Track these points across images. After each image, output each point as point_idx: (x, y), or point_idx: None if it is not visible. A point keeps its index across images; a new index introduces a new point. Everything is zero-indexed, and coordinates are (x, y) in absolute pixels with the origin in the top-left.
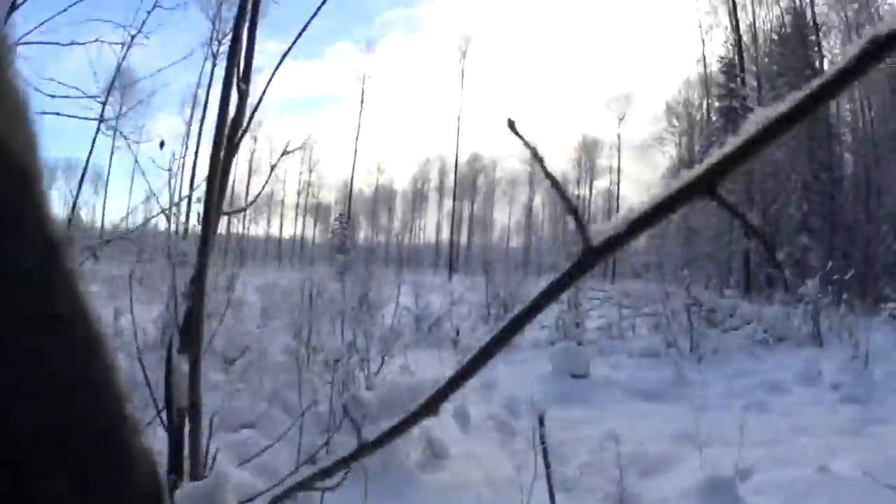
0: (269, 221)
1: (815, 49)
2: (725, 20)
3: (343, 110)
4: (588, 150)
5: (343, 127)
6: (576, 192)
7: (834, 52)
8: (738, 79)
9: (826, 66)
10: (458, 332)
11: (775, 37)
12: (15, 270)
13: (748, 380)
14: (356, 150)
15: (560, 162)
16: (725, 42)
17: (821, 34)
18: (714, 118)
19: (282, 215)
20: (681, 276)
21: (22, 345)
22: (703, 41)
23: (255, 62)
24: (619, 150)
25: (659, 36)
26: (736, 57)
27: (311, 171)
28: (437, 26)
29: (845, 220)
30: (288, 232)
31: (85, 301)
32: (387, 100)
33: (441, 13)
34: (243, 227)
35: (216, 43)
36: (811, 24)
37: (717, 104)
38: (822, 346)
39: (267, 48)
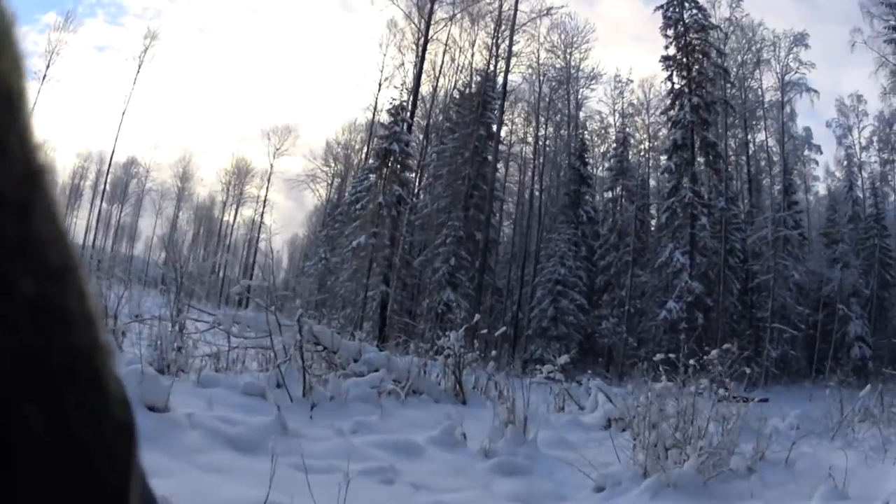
0: None
1: (495, 113)
2: (410, 69)
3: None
4: (240, 176)
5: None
6: (221, 217)
7: (516, 124)
8: (405, 124)
9: (503, 133)
10: None
11: (457, 94)
12: None
13: (372, 437)
14: None
15: (211, 183)
16: (402, 86)
17: (508, 102)
18: (372, 160)
19: None
20: (293, 308)
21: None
22: (379, 85)
23: None
24: (269, 180)
25: (336, 76)
26: (409, 103)
27: None
28: (135, 19)
29: (495, 282)
30: None
31: (62, 228)
32: (68, 83)
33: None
34: None
35: None
36: (500, 90)
37: (376, 146)
38: (465, 404)
39: None
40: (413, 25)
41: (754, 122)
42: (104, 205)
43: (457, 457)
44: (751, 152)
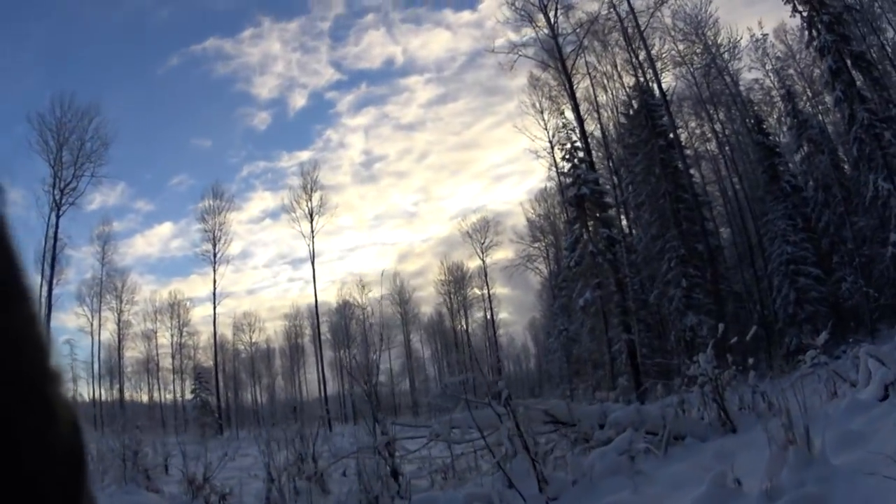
0: (149, 386)
1: (665, 120)
2: (569, 113)
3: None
4: (457, 282)
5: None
6: (453, 326)
7: (690, 125)
8: (584, 164)
9: (683, 138)
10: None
11: (623, 119)
12: None
13: None
14: (215, 307)
15: (431, 298)
16: (564, 128)
17: (674, 106)
18: (569, 213)
19: (159, 378)
20: (498, 392)
21: None
22: (551, 144)
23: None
24: (485, 276)
25: (511, 156)
26: (580, 140)
27: (181, 334)
28: (295, 177)
29: (731, 287)
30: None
31: (8, 243)
32: (247, 255)
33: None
34: (120, 393)
35: (58, 191)
36: (659, 97)
37: (567, 197)
38: (735, 432)
39: (135, 207)
40: (551, 70)
41: (878, 23)
42: (330, 352)
43: None
44: (889, 53)
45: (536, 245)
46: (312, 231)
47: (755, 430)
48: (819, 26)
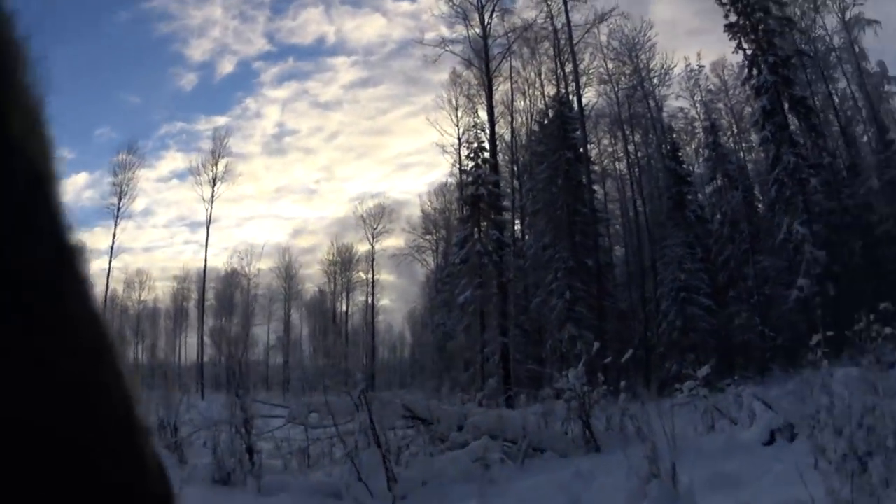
0: None
1: (577, 133)
2: (483, 114)
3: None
4: (344, 264)
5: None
6: (333, 308)
7: (603, 143)
8: (487, 164)
9: (594, 154)
10: None
11: (536, 128)
12: (26, 272)
13: None
14: (111, 260)
15: (315, 277)
16: (474, 127)
17: (590, 122)
18: (463, 210)
19: None
20: (355, 382)
21: (31, 347)
22: (459, 141)
23: None
24: (372, 262)
25: (420, 148)
26: (488, 142)
27: None
28: (208, 141)
29: (617, 306)
30: None
31: (95, 305)
32: (149, 213)
33: (212, 127)
34: None
35: None
36: (576, 111)
37: (464, 195)
38: (599, 452)
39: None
40: (473, 69)
41: (830, 71)
42: (213, 320)
43: None
44: (836, 103)
45: (427, 237)
46: (213, 196)
47: (620, 452)
48: (762, 66)
